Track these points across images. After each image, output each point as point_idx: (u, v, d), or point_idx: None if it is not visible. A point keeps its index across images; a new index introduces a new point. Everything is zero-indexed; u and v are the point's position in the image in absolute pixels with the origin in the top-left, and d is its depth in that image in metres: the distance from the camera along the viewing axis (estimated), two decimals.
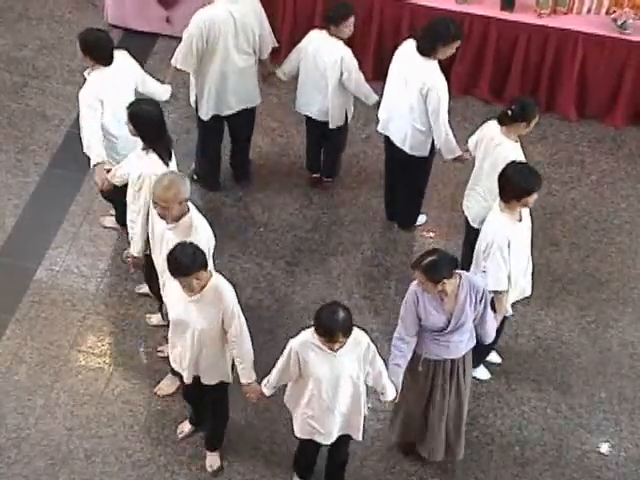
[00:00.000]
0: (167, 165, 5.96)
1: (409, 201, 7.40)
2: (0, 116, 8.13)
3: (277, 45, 7.37)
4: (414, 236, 7.53)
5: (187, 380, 5.62)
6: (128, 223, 6.16)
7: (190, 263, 5.10)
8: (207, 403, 5.91)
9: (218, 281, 5.35)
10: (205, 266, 5.20)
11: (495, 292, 5.82)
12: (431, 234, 7.52)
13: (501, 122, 6.21)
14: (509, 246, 5.73)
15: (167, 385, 6.39)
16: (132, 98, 6.59)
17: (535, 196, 5.71)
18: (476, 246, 5.94)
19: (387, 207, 7.54)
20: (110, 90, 6.40)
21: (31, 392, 6.38)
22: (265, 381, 5.46)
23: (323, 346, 5.10)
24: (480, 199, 6.36)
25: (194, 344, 5.40)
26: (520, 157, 6.13)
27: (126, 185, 6.10)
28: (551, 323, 6.99)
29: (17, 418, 6.24)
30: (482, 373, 6.61)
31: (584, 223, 7.70)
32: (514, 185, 5.65)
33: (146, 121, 5.90)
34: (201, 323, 5.32)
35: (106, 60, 6.41)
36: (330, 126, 7.27)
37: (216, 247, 7.23)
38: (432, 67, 6.60)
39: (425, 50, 6.57)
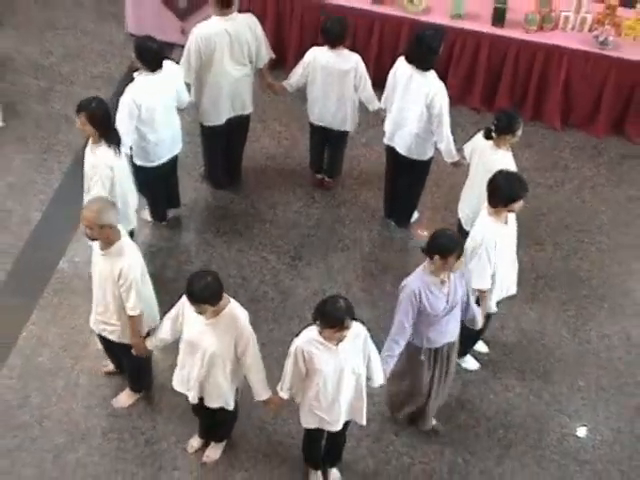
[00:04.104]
0: (119, 153, 5.99)
1: (408, 201, 7.42)
2: (28, 118, 8.14)
3: (274, 56, 7.34)
4: (409, 234, 7.54)
5: (192, 400, 5.56)
6: None
7: (200, 293, 5.01)
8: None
9: (234, 308, 5.24)
10: (217, 299, 5.09)
11: (479, 290, 5.84)
12: (425, 232, 7.51)
13: (488, 137, 6.23)
14: (495, 248, 5.75)
15: (124, 398, 6.28)
16: (174, 105, 6.67)
17: (521, 203, 5.72)
18: (465, 246, 5.94)
19: (386, 206, 7.55)
20: (151, 96, 6.46)
21: (53, 373, 6.39)
22: (279, 387, 5.41)
23: (326, 342, 5.08)
24: (475, 204, 6.36)
25: (203, 366, 5.33)
26: (512, 165, 6.15)
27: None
28: (535, 317, 6.99)
29: (40, 397, 6.25)
30: (471, 364, 6.61)
31: (566, 224, 7.71)
32: (502, 192, 5.66)
33: (102, 117, 5.90)
34: (213, 346, 5.23)
35: (154, 67, 6.43)
36: (349, 130, 7.34)
37: (225, 242, 7.31)
38: (432, 77, 6.64)
39: (423, 66, 6.60)
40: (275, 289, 7.03)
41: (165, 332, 5.53)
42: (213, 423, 5.89)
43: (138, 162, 6.76)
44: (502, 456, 6.18)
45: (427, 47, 6.59)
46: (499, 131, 6.15)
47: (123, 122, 6.38)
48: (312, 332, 5.14)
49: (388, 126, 7.03)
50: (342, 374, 5.19)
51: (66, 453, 5.99)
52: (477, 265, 5.77)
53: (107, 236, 5.34)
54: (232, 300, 5.26)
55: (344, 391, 5.28)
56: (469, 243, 5.86)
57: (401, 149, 6.98)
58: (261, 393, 5.46)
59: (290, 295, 6.99)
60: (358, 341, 5.19)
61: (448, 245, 5.27)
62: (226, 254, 7.25)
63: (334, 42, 6.95)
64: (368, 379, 5.42)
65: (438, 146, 6.84)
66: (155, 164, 6.81)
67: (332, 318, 4.95)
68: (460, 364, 6.55)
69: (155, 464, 5.98)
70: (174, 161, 7.02)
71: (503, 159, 6.15)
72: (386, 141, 7.11)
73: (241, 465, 6.02)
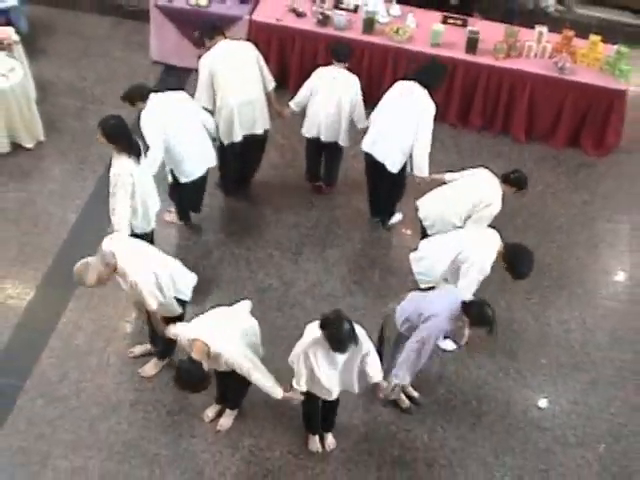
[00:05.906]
0: (138, 163, 5.96)
1: (388, 203, 7.42)
2: (66, 134, 8.16)
3: (274, 84, 7.24)
4: (394, 233, 7.56)
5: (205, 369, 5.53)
6: (110, 211, 6.04)
7: (189, 389, 5.08)
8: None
9: (216, 349, 5.18)
10: (204, 385, 5.09)
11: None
12: (408, 232, 7.54)
13: (505, 181, 6.37)
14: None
15: (150, 367, 6.31)
16: (198, 123, 6.67)
17: None
18: (459, 254, 5.92)
19: (370, 206, 7.54)
20: (176, 115, 6.46)
21: (88, 353, 6.42)
22: (295, 384, 5.41)
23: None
24: (443, 210, 6.43)
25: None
26: (499, 200, 6.30)
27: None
28: (504, 304, 7.02)
29: (77, 374, 6.29)
30: (449, 345, 6.61)
31: (531, 224, 7.74)
32: (519, 269, 5.84)
33: (116, 133, 5.87)
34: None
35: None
36: (343, 144, 7.26)
37: (235, 241, 7.32)
38: (426, 95, 6.66)
39: (426, 84, 6.65)
40: (279, 281, 7.06)
41: None
42: (227, 389, 5.91)
43: (182, 180, 6.75)
44: (475, 424, 6.23)
45: (436, 71, 6.76)
46: (510, 181, 6.35)
47: (155, 138, 6.38)
48: (316, 333, 5.11)
49: (370, 136, 6.94)
50: (342, 364, 5.27)
51: (99, 422, 6.04)
52: (473, 284, 5.90)
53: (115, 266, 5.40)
54: (215, 338, 5.19)
55: (342, 375, 5.36)
56: (469, 257, 5.86)
57: (379, 157, 6.92)
58: (273, 394, 5.43)
59: (292, 286, 7.02)
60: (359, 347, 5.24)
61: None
62: (236, 251, 7.28)
63: (340, 59, 6.97)
64: (368, 375, 5.41)
65: (413, 159, 6.78)
66: (191, 179, 6.80)
67: (337, 345, 4.99)
68: (439, 345, 6.57)
69: (175, 432, 6.02)
70: (205, 176, 6.98)
71: (493, 194, 6.30)
72: (366, 149, 7.01)
73: (250, 432, 6.06)
